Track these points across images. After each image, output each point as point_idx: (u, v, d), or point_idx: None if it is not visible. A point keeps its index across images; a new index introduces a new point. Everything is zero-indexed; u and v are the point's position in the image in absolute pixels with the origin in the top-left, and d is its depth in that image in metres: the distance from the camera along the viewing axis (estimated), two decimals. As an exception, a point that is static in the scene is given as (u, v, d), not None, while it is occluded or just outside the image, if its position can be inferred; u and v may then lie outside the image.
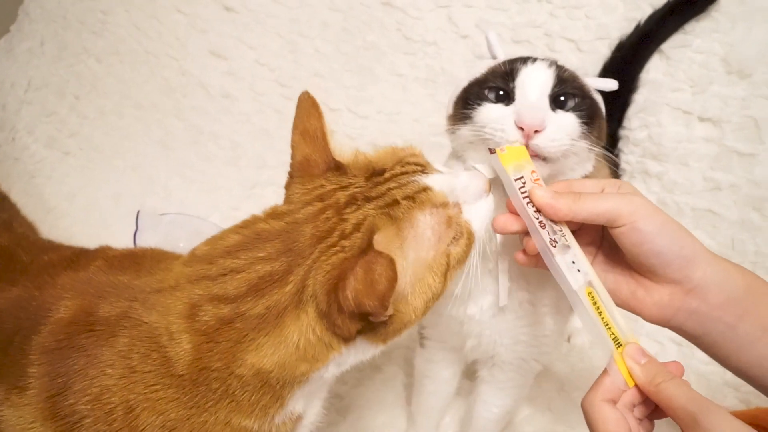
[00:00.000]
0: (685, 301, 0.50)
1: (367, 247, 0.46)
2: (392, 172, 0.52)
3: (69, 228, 1.13)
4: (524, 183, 0.52)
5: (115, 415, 0.47)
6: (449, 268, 0.50)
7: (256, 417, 0.50)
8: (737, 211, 0.98)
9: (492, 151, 0.54)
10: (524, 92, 0.57)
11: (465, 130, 0.59)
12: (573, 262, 0.50)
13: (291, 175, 0.54)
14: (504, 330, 0.66)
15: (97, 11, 1.29)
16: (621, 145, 1.06)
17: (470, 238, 0.51)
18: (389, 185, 0.51)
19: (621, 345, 0.47)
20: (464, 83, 0.64)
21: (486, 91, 0.59)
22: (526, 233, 0.53)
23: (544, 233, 0.50)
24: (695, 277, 0.50)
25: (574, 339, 1.01)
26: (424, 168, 0.53)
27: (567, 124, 0.57)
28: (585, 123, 0.58)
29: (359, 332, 0.48)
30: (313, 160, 0.53)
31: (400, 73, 1.19)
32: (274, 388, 0.49)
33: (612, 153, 1.01)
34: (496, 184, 0.58)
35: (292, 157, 0.54)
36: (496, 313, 0.64)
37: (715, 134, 0.99)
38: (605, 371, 0.47)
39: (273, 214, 0.52)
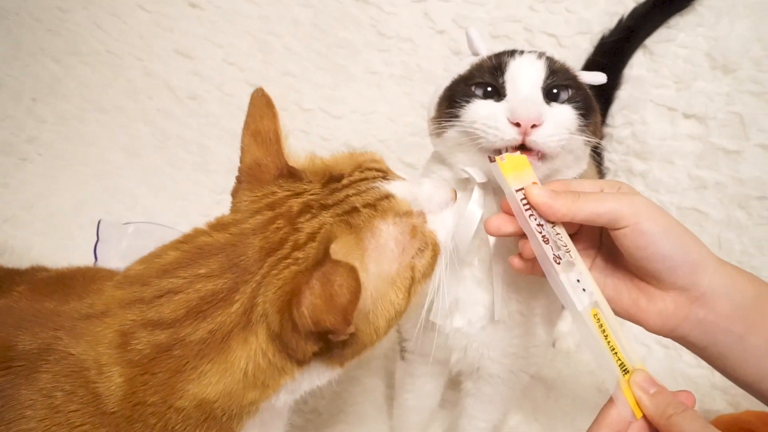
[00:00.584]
0: (691, 310, 0.48)
1: (324, 258, 0.41)
2: (351, 178, 0.48)
3: (28, 239, 1.08)
4: (525, 194, 0.49)
5: (37, 464, 0.42)
6: (414, 282, 0.47)
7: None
8: (723, 209, 0.97)
9: (492, 160, 0.51)
10: (516, 86, 0.54)
11: (453, 132, 0.56)
12: (578, 281, 0.46)
13: (239, 181, 0.50)
14: (492, 342, 0.63)
15: (54, 8, 1.24)
16: (604, 143, 1.04)
17: (435, 249, 0.48)
18: (348, 192, 0.47)
19: (628, 371, 0.44)
20: (447, 82, 0.60)
21: (473, 88, 0.56)
22: (521, 235, 0.50)
23: (547, 249, 0.47)
24: (703, 284, 0.47)
25: (560, 343, 0.98)
26: (385, 174, 0.50)
27: (564, 117, 0.54)
28: (582, 115, 0.55)
29: (315, 354, 0.44)
30: (264, 164, 0.49)
31: (375, 71, 1.16)
32: (220, 421, 0.44)
33: (597, 151, 0.98)
34: (487, 189, 0.56)
35: (241, 160, 0.50)
36: (486, 326, 0.61)
37: (700, 131, 0.98)
38: (611, 400, 0.44)
39: (217, 225, 0.47)
